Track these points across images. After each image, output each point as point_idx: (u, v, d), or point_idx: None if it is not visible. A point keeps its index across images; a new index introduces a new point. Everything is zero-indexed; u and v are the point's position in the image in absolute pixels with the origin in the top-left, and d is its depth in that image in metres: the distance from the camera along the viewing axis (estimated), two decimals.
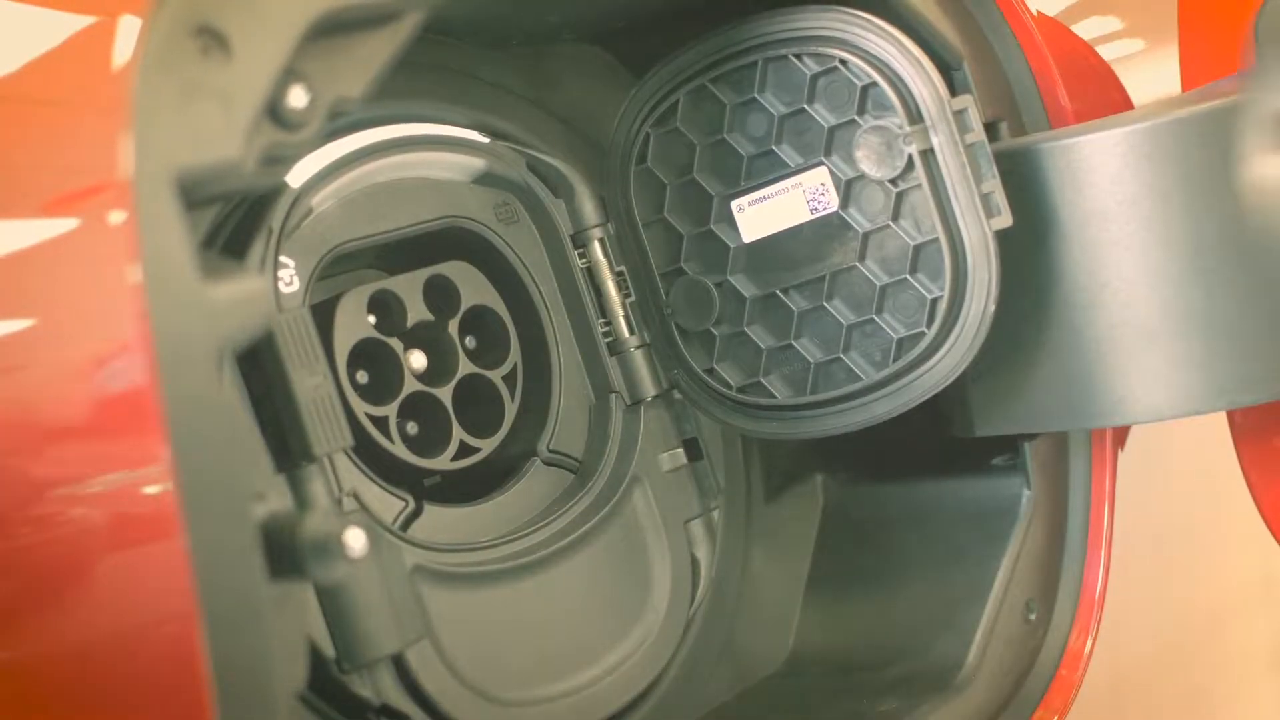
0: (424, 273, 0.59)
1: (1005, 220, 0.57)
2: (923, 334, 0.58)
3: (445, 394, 0.59)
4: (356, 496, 0.53)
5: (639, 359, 0.63)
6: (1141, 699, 1.05)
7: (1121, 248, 0.59)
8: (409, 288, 0.58)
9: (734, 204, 0.62)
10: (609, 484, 0.61)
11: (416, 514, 0.56)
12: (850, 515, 0.70)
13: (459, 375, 0.59)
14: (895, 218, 0.59)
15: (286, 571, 0.36)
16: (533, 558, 0.58)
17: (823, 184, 0.60)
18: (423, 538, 0.55)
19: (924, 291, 0.58)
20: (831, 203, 0.60)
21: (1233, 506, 0.78)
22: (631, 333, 0.63)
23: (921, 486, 0.70)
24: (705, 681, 0.67)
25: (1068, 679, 0.67)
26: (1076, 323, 0.60)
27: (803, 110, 0.60)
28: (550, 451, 0.61)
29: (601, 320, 0.63)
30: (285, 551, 0.36)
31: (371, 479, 0.54)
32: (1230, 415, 0.69)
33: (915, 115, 0.57)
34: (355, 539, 0.36)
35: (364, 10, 0.41)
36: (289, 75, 0.39)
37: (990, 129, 0.61)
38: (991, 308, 0.57)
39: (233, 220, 0.50)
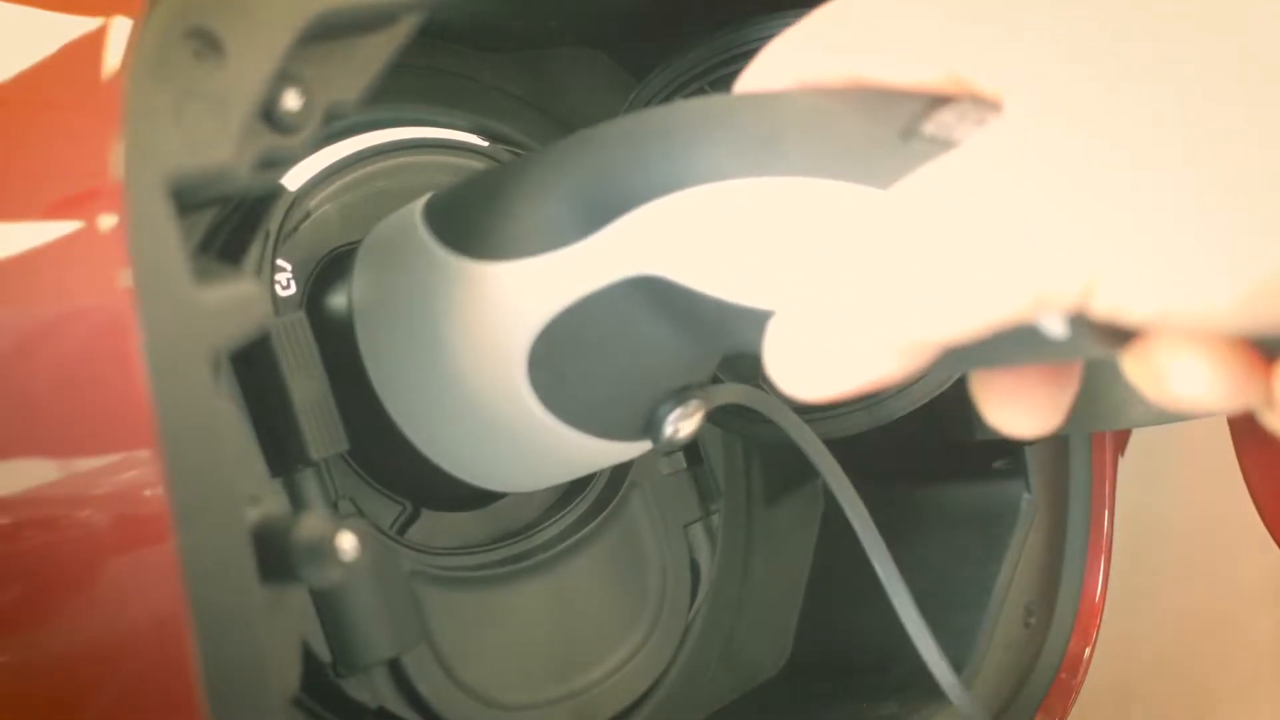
0: None
1: None
2: None
3: None
4: (353, 500, 0.53)
5: None
6: (1146, 701, 1.04)
7: None
8: None
9: None
10: (607, 488, 0.61)
11: (414, 518, 0.56)
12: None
13: None
14: None
15: (279, 575, 0.36)
16: (531, 561, 0.58)
17: None
18: (420, 541, 0.55)
19: None
20: None
21: (1235, 508, 0.78)
22: None
23: (921, 490, 0.70)
24: (705, 685, 0.67)
25: (1068, 683, 0.67)
26: None
27: None
28: None
29: None
30: (278, 555, 0.36)
31: (368, 483, 0.54)
32: (1230, 418, 0.68)
33: None
34: (348, 542, 0.36)
35: (359, 13, 0.41)
36: (283, 78, 0.39)
37: None
38: None
39: (230, 224, 0.50)
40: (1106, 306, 0.33)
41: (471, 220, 0.47)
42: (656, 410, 0.48)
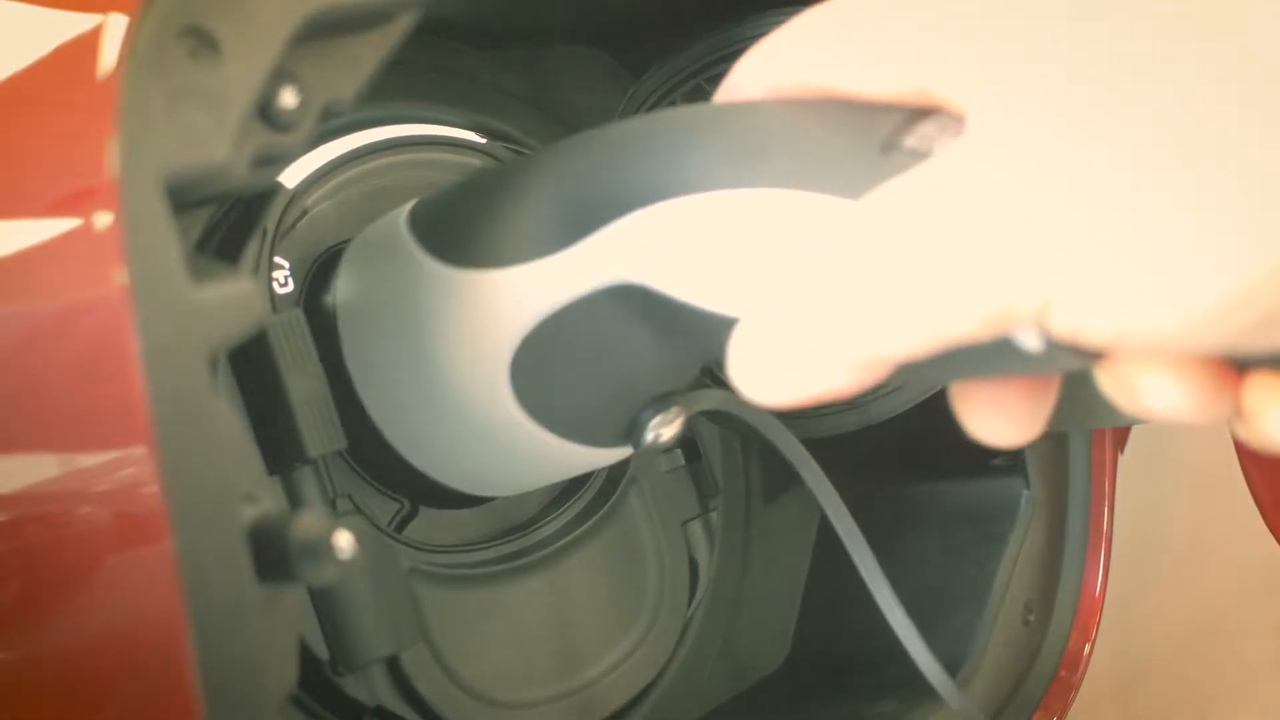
0: None
1: None
2: None
3: None
4: (351, 498, 0.53)
5: None
6: (1146, 698, 1.04)
7: None
8: None
9: None
10: (606, 485, 0.61)
11: (412, 515, 0.56)
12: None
13: None
14: None
15: (275, 573, 0.36)
16: (529, 559, 0.58)
17: None
18: (418, 539, 0.55)
19: None
20: None
21: (1235, 506, 0.78)
22: None
23: (920, 487, 0.70)
24: (703, 682, 0.67)
25: (1067, 681, 0.67)
26: None
27: None
28: None
29: None
30: (274, 553, 0.36)
31: (366, 480, 0.54)
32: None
33: None
34: (344, 541, 0.36)
35: (355, 11, 0.41)
36: (279, 76, 0.39)
37: None
38: None
39: (227, 222, 0.50)
40: (1063, 327, 0.33)
41: (456, 228, 0.48)
42: (638, 416, 0.49)
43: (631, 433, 0.49)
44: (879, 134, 0.37)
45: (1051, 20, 0.34)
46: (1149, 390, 0.35)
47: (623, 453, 0.51)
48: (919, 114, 0.37)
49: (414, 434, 0.51)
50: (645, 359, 0.47)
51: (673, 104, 0.61)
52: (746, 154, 0.40)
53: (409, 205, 0.50)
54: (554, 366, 0.47)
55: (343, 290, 0.51)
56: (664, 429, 0.49)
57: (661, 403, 0.49)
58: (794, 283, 0.37)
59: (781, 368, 0.37)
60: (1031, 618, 0.66)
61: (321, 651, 0.50)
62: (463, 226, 0.47)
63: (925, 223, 0.34)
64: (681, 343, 0.45)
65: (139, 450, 0.33)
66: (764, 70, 0.42)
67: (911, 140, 0.37)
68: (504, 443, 0.49)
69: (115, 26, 0.34)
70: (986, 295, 0.33)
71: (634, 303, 0.44)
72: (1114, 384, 0.35)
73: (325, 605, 0.50)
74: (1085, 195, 0.32)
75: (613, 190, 0.43)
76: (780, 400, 0.37)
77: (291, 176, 0.54)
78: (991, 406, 0.39)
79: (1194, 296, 0.31)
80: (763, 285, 0.40)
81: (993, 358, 0.36)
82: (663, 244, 0.42)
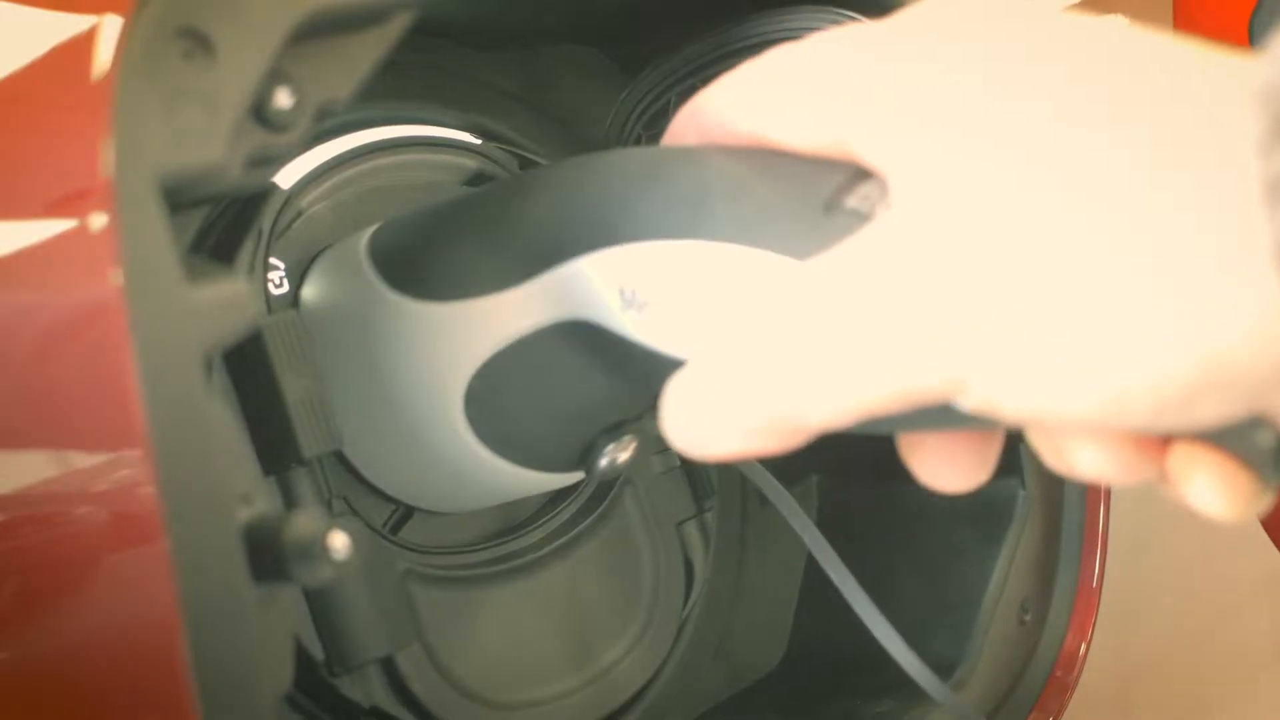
0: None
1: None
2: None
3: None
4: (346, 499, 0.53)
5: None
6: (1144, 698, 1.04)
7: None
8: None
9: None
10: (600, 486, 0.61)
11: (407, 517, 0.56)
12: (845, 516, 0.70)
13: None
14: None
15: (270, 574, 0.36)
16: (524, 560, 0.58)
17: None
18: (413, 540, 0.55)
19: None
20: None
21: None
22: None
23: (916, 487, 0.69)
24: (699, 683, 0.67)
25: (1063, 680, 0.66)
26: None
27: None
28: None
29: None
30: (269, 554, 0.36)
31: (362, 482, 0.54)
32: None
33: None
34: (339, 541, 0.36)
35: (350, 11, 0.41)
36: (274, 77, 0.39)
37: None
38: None
39: (222, 223, 0.50)
40: (978, 403, 0.34)
41: (413, 261, 0.49)
42: (593, 444, 0.50)
43: (586, 459, 0.51)
44: (822, 192, 0.38)
45: (971, 96, 0.34)
46: (1075, 455, 0.35)
47: (575, 476, 0.53)
48: (861, 174, 0.38)
49: (367, 450, 0.52)
50: (597, 391, 0.48)
51: (668, 104, 0.61)
52: (693, 206, 0.41)
53: (370, 230, 0.51)
54: (507, 398, 0.48)
55: (306, 304, 0.52)
56: (619, 454, 0.51)
57: (615, 431, 0.50)
58: (728, 338, 0.38)
59: (705, 423, 0.37)
60: (1028, 617, 0.66)
61: (317, 652, 0.50)
62: (420, 260, 0.49)
63: (846, 299, 0.35)
64: (633, 377, 0.46)
65: (134, 451, 0.33)
66: (699, 119, 0.42)
67: (853, 200, 0.37)
68: (455, 467, 0.51)
69: (110, 28, 0.34)
70: (898, 375, 0.34)
71: (586, 338, 0.45)
72: (1045, 445, 0.36)
73: (320, 606, 0.50)
74: (993, 282, 0.32)
75: (565, 234, 0.44)
76: (702, 454, 0.38)
77: (287, 177, 0.54)
78: (938, 455, 0.40)
79: (1102, 389, 0.32)
80: (706, 333, 0.41)
81: (929, 415, 0.36)
82: (613, 286, 0.43)
